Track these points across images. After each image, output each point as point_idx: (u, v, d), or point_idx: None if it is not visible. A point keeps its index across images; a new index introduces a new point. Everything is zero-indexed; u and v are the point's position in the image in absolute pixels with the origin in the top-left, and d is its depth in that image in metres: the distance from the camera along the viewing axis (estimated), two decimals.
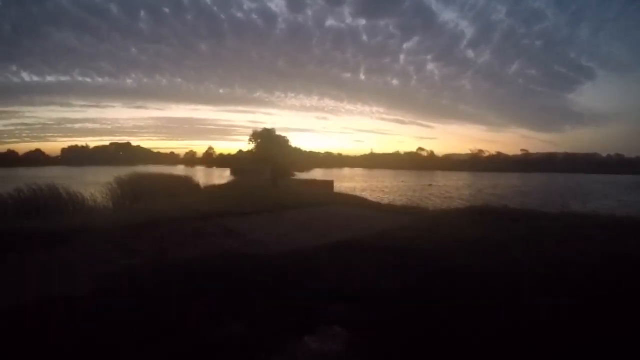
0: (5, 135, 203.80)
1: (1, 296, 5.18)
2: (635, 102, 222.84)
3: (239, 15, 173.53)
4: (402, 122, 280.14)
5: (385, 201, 26.34)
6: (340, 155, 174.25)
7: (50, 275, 6.13)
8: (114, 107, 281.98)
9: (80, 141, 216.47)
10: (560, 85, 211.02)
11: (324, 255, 7.00)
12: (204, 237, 8.73)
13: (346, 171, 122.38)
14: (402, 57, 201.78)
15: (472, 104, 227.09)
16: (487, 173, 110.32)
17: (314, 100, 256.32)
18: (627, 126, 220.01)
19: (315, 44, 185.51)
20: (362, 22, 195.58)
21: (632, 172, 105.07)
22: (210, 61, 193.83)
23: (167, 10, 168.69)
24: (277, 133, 30.13)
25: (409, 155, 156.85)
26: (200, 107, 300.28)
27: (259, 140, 29.24)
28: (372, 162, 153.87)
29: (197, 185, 26.00)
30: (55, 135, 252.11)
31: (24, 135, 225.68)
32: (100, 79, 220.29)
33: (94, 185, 19.66)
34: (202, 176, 64.51)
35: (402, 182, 66.35)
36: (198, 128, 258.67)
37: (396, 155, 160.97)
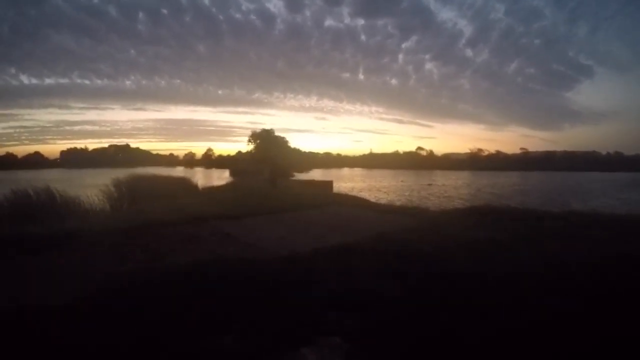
0: (4, 138, 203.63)
1: None
2: (634, 100, 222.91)
3: (237, 16, 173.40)
4: (401, 122, 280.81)
5: (385, 201, 26.21)
6: (339, 155, 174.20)
7: (34, 283, 5.90)
8: (112, 108, 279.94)
9: (79, 143, 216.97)
10: (559, 84, 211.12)
11: (322, 259, 6.79)
12: (199, 242, 8.50)
13: (345, 171, 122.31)
14: (400, 56, 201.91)
15: (471, 103, 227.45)
16: (487, 172, 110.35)
17: (313, 101, 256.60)
18: (625, 124, 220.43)
19: (313, 44, 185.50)
20: (361, 22, 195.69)
21: (630, 170, 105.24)
22: (208, 62, 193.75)
23: (165, 11, 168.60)
24: (276, 134, 30.08)
25: (408, 154, 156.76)
26: (199, 108, 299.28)
27: (258, 141, 29.14)
28: (371, 162, 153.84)
29: (195, 186, 25.82)
30: (54, 137, 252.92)
31: (23, 137, 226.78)
32: (98, 81, 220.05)
33: (92, 188, 19.47)
34: (201, 177, 64.35)
35: (402, 181, 66.23)
36: (197, 129, 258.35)
37: (395, 154, 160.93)
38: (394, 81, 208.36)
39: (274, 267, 6.27)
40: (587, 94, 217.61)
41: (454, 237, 8.49)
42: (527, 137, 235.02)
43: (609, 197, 39.17)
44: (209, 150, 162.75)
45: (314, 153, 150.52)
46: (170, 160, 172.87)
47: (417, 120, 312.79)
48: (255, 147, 29.11)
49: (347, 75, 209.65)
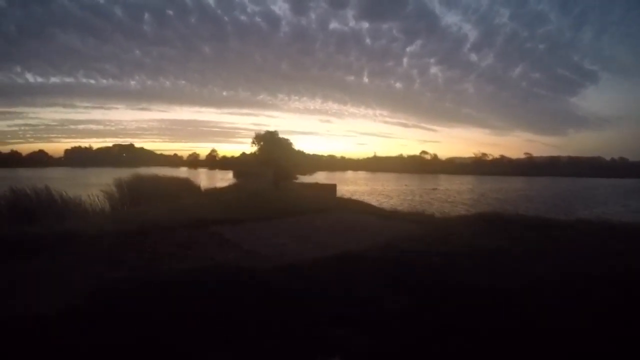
0: (9, 136, 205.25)
1: None
2: (638, 105, 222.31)
3: (243, 17, 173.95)
4: (405, 125, 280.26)
5: (389, 206, 25.89)
6: (343, 158, 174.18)
7: (23, 290, 5.65)
8: (117, 108, 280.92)
9: (84, 142, 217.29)
10: (563, 89, 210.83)
11: (325, 269, 6.47)
12: (197, 247, 8.22)
13: (349, 174, 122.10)
14: (405, 60, 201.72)
15: (475, 107, 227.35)
16: (491, 176, 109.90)
17: (317, 103, 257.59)
18: (630, 129, 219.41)
19: (318, 47, 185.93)
20: (366, 25, 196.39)
21: (635, 176, 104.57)
22: (213, 63, 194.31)
23: (170, 12, 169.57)
24: (280, 135, 29.85)
25: (412, 158, 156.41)
26: (203, 109, 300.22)
27: (262, 143, 28.93)
28: (375, 165, 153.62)
29: (198, 187, 25.70)
30: (59, 136, 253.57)
31: (28, 136, 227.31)
32: (104, 81, 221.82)
33: (94, 187, 19.27)
34: (204, 178, 64.29)
35: (406, 185, 66.02)
36: (201, 130, 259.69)
37: (399, 158, 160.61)
38: (398, 85, 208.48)
39: (273, 277, 5.97)
40: (592, 99, 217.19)
41: (462, 246, 8.15)
42: (532, 142, 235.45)
43: (615, 203, 38.81)
44: (213, 151, 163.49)
45: (318, 155, 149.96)
46: (174, 160, 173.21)
47: (422, 124, 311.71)
48: (259, 149, 28.85)
49: (351, 78, 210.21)
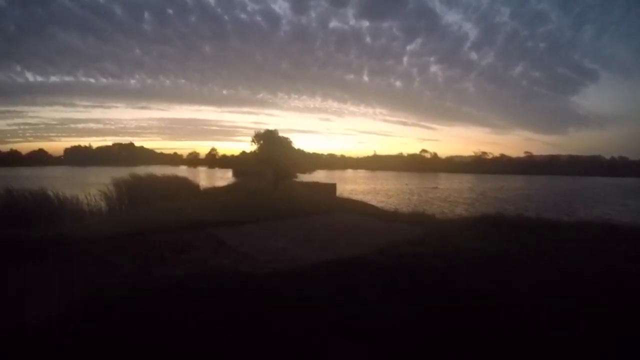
0: (9, 135, 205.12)
1: None
2: (638, 104, 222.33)
3: (243, 16, 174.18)
4: (405, 124, 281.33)
5: (390, 206, 25.75)
6: (343, 156, 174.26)
7: (3, 299, 5.36)
8: (117, 107, 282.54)
9: (84, 141, 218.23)
10: (563, 88, 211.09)
11: (324, 275, 6.23)
12: (192, 251, 8.00)
13: (349, 173, 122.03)
14: (405, 58, 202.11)
15: (475, 106, 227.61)
16: (491, 175, 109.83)
17: (317, 102, 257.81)
18: (630, 128, 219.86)
19: (318, 46, 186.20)
20: (366, 23, 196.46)
21: (635, 175, 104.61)
22: (213, 62, 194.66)
23: (170, 11, 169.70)
24: (280, 134, 29.72)
25: (412, 157, 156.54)
26: (203, 107, 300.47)
27: (262, 142, 28.79)
28: (375, 163, 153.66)
29: (197, 186, 25.51)
30: (59, 135, 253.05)
31: (27, 135, 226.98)
32: (103, 80, 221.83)
33: (94, 186, 19.10)
34: (204, 177, 64.31)
35: (406, 184, 65.88)
36: (201, 129, 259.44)
37: (399, 156, 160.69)
38: (398, 83, 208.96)
39: (270, 285, 5.73)
40: (592, 98, 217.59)
41: (466, 250, 7.93)
42: (532, 140, 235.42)
43: (615, 203, 38.73)
44: (213, 149, 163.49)
45: (317, 154, 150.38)
46: (174, 159, 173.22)
47: (421, 123, 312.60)
48: (259, 148, 28.72)
49: (351, 76, 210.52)
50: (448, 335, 4.20)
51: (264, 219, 12.00)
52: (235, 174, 63.00)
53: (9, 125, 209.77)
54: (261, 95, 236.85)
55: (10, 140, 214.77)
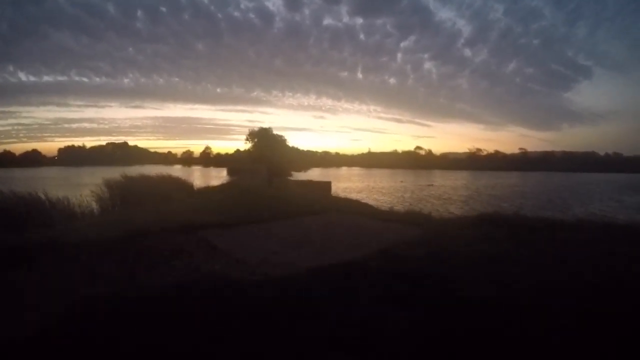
0: (2, 136, 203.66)
1: None
2: (632, 100, 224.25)
3: (236, 14, 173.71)
4: (400, 121, 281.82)
5: (385, 204, 25.64)
6: (337, 154, 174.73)
7: None
8: (111, 106, 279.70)
9: (77, 141, 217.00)
10: (557, 84, 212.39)
11: (319, 282, 5.96)
12: (183, 256, 7.73)
13: (344, 170, 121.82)
14: (399, 55, 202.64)
15: (469, 103, 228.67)
16: (485, 172, 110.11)
17: (312, 99, 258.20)
18: (624, 125, 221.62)
19: (312, 43, 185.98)
20: (359, 20, 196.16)
21: (629, 171, 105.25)
22: (207, 60, 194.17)
23: (164, 9, 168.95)
24: (275, 132, 29.66)
25: (407, 154, 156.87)
26: (197, 106, 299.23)
27: (256, 140, 28.70)
28: (369, 161, 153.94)
29: (191, 186, 25.24)
30: (52, 135, 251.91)
31: (21, 135, 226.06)
32: (97, 79, 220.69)
33: (87, 187, 18.77)
34: (198, 176, 63.99)
35: (401, 182, 65.75)
36: (195, 127, 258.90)
37: (394, 154, 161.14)
38: (392, 80, 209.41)
39: (263, 293, 5.46)
40: (586, 95, 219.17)
41: (466, 253, 7.67)
42: (526, 137, 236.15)
43: (610, 199, 38.85)
44: (207, 148, 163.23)
45: (312, 152, 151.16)
46: (168, 158, 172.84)
47: (416, 120, 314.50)
48: (253, 146, 28.67)
49: (345, 74, 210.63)
50: (450, 349, 3.97)
51: (257, 221, 11.75)
52: (229, 173, 62.78)
53: (2, 126, 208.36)
54: (255, 93, 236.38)
55: (4, 141, 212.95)
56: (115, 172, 20.98)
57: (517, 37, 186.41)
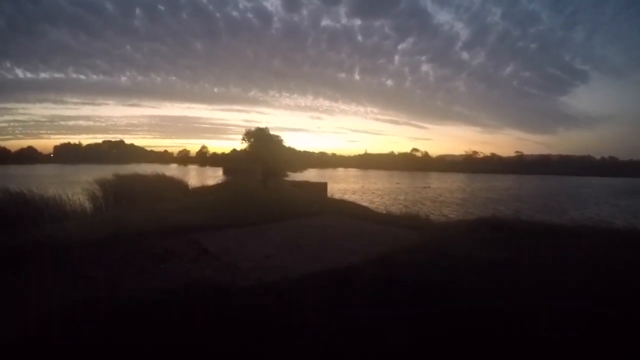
0: None
1: None
2: (628, 104, 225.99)
3: (234, 14, 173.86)
4: (396, 123, 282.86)
5: (382, 206, 25.51)
6: (334, 155, 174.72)
7: None
8: (107, 104, 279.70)
9: (73, 138, 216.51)
10: (554, 88, 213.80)
11: (313, 289, 5.64)
12: (172, 260, 7.46)
13: (340, 171, 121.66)
14: (396, 57, 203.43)
15: (466, 105, 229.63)
16: (482, 174, 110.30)
17: (309, 100, 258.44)
18: (620, 129, 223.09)
19: (310, 44, 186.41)
20: (358, 22, 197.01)
21: (625, 175, 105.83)
22: (205, 60, 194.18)
23: (162, 8, 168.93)
24: (271, 132, 29.40)
25: (403, 155, 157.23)
26: (194, 105, 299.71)
27: (252, 140, 28.49)
28: (366, 162, 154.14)
29: (186, 186, 25.06)
30: (49, 132, 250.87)
31: (17, 132, 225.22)
32: (94, 77, 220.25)
33: (82, 185, 18.43)
34: (194, 175, 63.71)
35: (397, 183, 65.75)
36: (192, 126, 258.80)
37: (390, 155, 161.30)
38: (389, 82, 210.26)
39: (254, 301, 5.14)
40: (582, 99, 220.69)
41: (465, 259, 7.40)
42: (522, 140, 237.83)
43: (606, 203, 38.93)
44: (204, 147, 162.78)
45: (308, 152, 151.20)
46: (165, 157, 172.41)
47: (412, 122, 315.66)
48: (249, 146, 28.43)
49: (343, 75, 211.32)
50: None
51: (251, 223, 11.49)
52: (225, 173, 62.61)
53: None
54: (252, 93, 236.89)
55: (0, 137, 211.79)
56: (110, 171, 20.81)
57: (515, 41, 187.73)
